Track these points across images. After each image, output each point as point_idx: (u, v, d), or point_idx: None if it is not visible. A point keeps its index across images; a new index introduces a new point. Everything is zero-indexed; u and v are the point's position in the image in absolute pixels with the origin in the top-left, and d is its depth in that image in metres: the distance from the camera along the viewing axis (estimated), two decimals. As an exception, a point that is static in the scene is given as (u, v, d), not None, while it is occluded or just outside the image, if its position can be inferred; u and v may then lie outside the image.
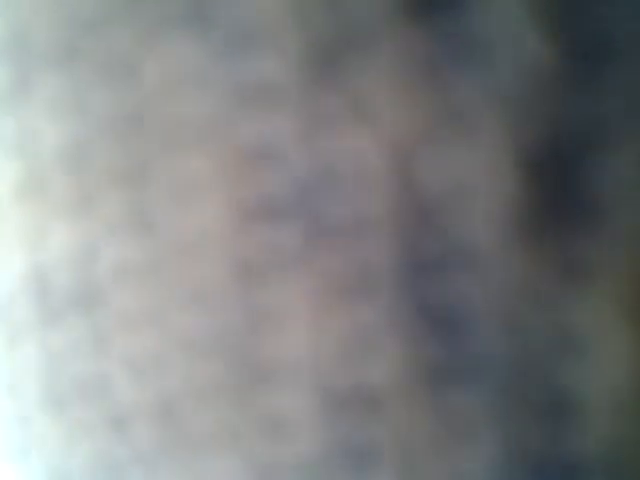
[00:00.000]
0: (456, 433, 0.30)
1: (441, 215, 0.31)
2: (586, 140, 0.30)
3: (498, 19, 0.31)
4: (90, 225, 0.34)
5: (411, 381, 0.30)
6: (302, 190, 0.31)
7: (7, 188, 0.35)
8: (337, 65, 0.31)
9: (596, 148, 0.30)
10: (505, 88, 0.30)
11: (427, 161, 0.31)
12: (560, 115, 0.30)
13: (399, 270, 0.31)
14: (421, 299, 0.31)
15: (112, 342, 0.33)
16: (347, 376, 0.31)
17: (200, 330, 0.31)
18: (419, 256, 0.31)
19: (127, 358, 0.33)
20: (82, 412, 0.33)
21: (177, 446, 0.32)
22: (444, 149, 0.31)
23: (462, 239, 0.30)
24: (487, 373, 0.30)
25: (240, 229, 0.31)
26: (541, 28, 0.31)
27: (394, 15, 0.30)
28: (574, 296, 0.30)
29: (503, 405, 0.30)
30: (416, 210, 0.31)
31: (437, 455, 0.31)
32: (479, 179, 0.31)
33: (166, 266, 0.33)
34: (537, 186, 0.30)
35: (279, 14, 0.31)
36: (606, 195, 0.30)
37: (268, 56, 0.31)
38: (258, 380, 0.31)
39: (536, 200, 0.30)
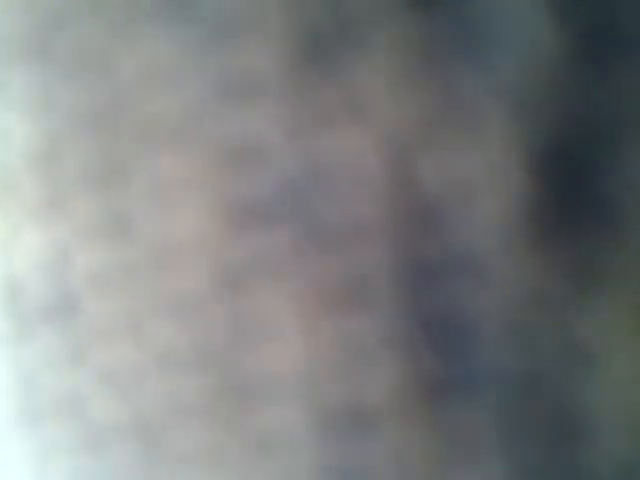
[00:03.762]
0: (457, 453, 0.30)
1: (443, 218, 0.30)
2: (600, 136, 0.30)
3: (504, 6, 0.31)
4: (63, 229, 0.34)
5: (410, 397, 0.30)
6: (292, 191, 0.31)
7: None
8: (330, 56, 0.31)
9: (611, 145, 0.30)
10: (512, 81, 0.30)
11: (428, 160, 0.31)
12: (572, 110, 0.30)
13: (397, 278, 0.31)
14: (421, 309, 0.31)
15: (87, 356, 0.33)
16: (341, 392, 0.31)
17: (181, 342, 0.32)
18: (419, 262, 0.30)
19: (103, 373, 0.33)
20: (57, 429, 0.33)
21: (156, 466, 0.32)
22: (446, 146, 0.31)
23: (466, 244, 0.30)
24: (491, 389, 0.30)
25: (225, 233, 0.31)
26: (552, 16, 0.30)
27: (392, 2, 0.31)
28: (587, 306, 0.30)
29: (508, 423, 0.30)
30: (416, 212, 0.30)
31: (437, 477, 0.30)
32: (484, 179, 0.30)
33: (144, 273, 0.32)
34: (547, 186, 0.30)
35: (264, 0, 0.32)
36: (622, 196, 0.30)
37: (253, 46, 0.31)
38: (245, 396, 0.31)
39: (546, 202, 0.30)
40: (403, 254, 0.30)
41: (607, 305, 0.30)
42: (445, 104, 0.31)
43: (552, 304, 0.30)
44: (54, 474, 0.34)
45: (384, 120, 0.31)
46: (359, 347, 0.31)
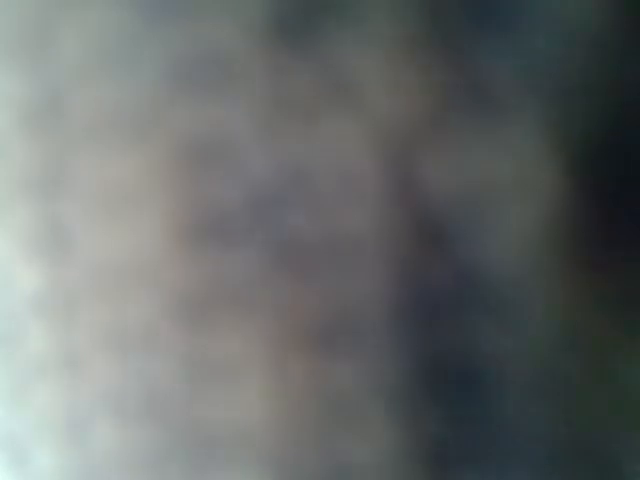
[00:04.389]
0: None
1: (454, 235, 0.29)
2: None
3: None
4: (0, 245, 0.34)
5: (408, 467, 0.29)
6: (263, 200, 0.30)
7: None
8: (313, 32, 0.30)
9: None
10: (543, 61, 0.29)
11: (435, 160, 0.29)
12: (624, 97, 0.29)
13: (394, 311, 0.29)
14: (424, 353, 0.29)
15: (27, 395, 0.32)
16: (319, 453, 0.29)
17: (128, 385, 0.30)
18: (422, 292, 0.29)
19: (44, 416, 0.31)
20: None
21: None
22: (458, 144, 0.29)
23: (481, 267, 0.29)
24: (517, 459, 0.28)
25: (180, 252, 0.30)
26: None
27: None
28: (636, 346, 0.28)
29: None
30: (419, 228, 0.29)
31: None
32: (505, 184, 0.29)
33: (86, 299, 0.31)
34: (589, 195, 0.29)
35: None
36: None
37: (220, 20, 0.30)
38: (200, 455, 0.29)
39: (587, 215, 0.29)
40: (402, 281, 0.29)
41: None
42: (459, 90, 0.29)
43: (594, 348, 0.29)
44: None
45: (380, 111, 0.30)
46: (343, 399, 0.30)
